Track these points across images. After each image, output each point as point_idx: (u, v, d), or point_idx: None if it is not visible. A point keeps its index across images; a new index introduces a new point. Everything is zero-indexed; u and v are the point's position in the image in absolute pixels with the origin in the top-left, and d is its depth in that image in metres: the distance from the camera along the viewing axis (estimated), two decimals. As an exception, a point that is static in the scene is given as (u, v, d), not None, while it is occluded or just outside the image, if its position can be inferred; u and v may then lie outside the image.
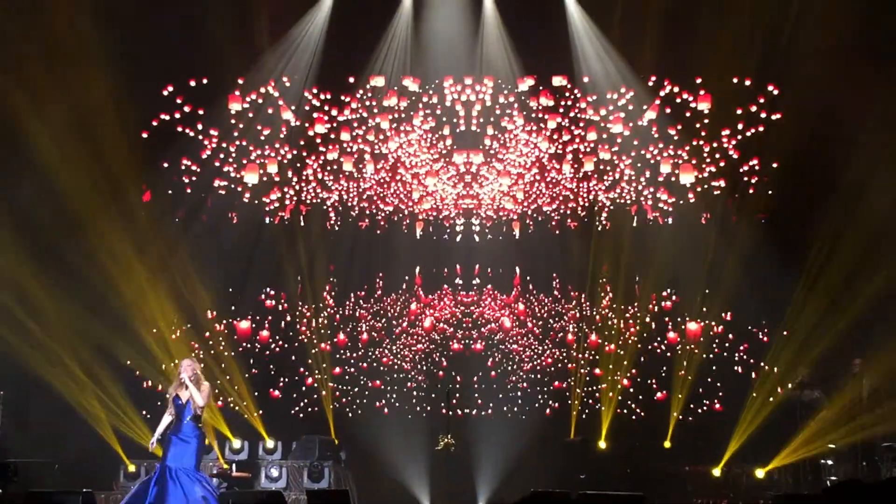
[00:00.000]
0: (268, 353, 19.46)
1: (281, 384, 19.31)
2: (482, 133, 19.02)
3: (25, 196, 17.19)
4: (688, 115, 18.55)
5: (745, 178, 18.67)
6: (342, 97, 18.91)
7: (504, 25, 18.50)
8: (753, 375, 18.28)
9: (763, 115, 18.42)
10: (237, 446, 17.95)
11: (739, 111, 18.48)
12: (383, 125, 18.85)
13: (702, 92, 18.29)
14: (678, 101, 18.57)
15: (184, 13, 17.51)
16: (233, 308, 19.31)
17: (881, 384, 15.86)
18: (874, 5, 16.83)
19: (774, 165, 18.37)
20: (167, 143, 18.65)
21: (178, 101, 18.59)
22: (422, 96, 18.91)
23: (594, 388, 19.00)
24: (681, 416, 18.27)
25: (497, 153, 19.13)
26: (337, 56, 18.69)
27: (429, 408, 19.33)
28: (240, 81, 18.57)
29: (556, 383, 19.33)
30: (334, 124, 18.95)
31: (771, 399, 17.59)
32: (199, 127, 18.79)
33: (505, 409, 19.31)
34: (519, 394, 19.39)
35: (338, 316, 19.71)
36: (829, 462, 16.06)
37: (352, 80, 18.83)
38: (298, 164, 19.16)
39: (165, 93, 18.57)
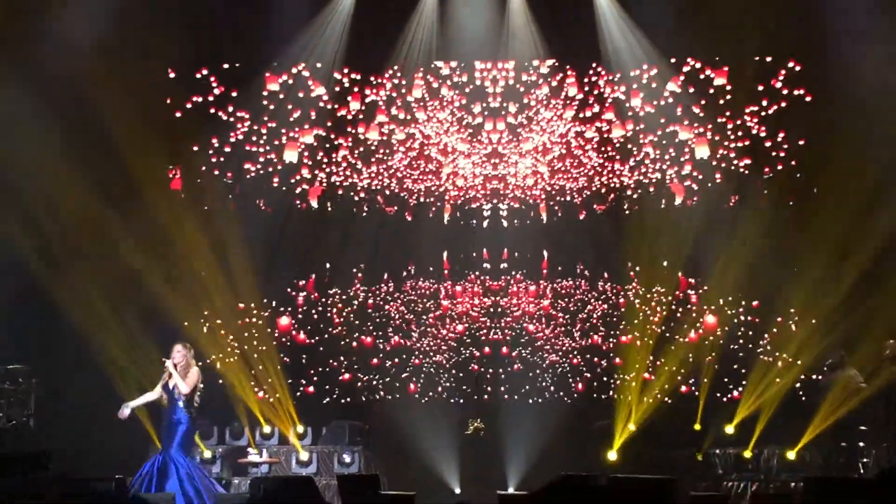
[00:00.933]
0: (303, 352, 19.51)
1: (313, 376, 19.34)
2: (508, 112, 18.91)
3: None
4: (711, 91, 18.44)
5: (773, 154, 18.52)
6: (371, 78, 18.84)
7: (529, 9, 18.42)
8: (779, 364, 18.16)
9: (785, 92, 18.32)
10: (267, 431, 18.03)
11: (761, 87, 18.36)
12: (412, 102, 18.82)
13: (725, 70, 18.22)
14: (701, 77, 18.44)
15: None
16: (265, 301, 19.30)
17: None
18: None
19: (801, 143, 18.26)
20: (197, 128, 18.69)
21: (213, 82, 18.62)
22: (450, 76, 18.85)
23: (622, 374, 18.95)
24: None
25: (524, 128, 19.01)
26: (363, 41, 18.63)
27: (458, 392, 19.35)
28: (274, 64, 18.60)
29: (586, 370, 19.32)
30: (363, 106, 18.92)
31: (798, 384, 17.63)
32: (230, 109, 18.80)
33: (534, 392, 19.31)
34: (548, 378, 19.38)
35: (370, 301, 19.73)
36: (862, 444, 16.04)
37: (379, 64, 18.80)
38: (328, 145, 19.12)
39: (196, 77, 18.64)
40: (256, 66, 18.60)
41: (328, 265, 19.55)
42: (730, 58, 18.17)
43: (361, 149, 19.12)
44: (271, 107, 18.70)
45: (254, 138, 18.86)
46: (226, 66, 18.58)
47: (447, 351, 19.59)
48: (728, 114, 18.50)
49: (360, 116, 18.87)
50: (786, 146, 18.41)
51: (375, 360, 19.55)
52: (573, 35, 18.53)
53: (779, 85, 18.27)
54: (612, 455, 17.37)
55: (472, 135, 19.05)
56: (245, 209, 19.02)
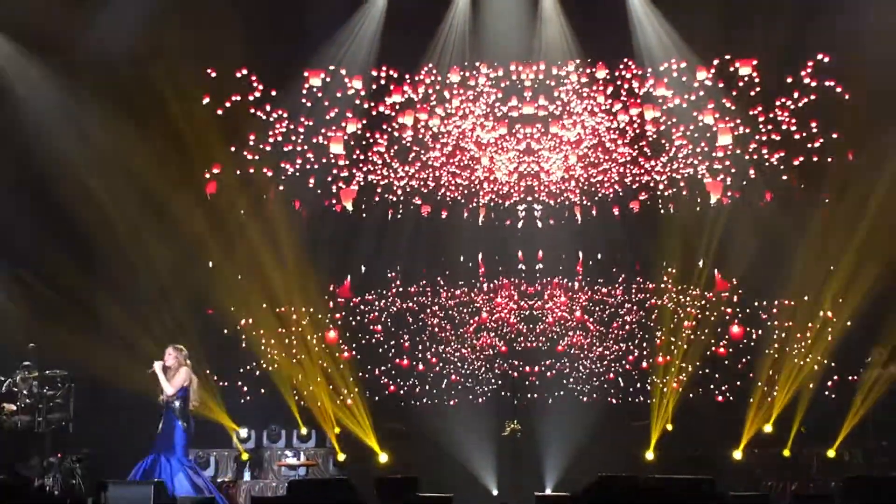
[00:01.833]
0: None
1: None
2: (540, 105, 18.87)
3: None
4: (741, 84, 18.36)
5: (809, 146, 18.41)
6: (406, 75, 18.90)
7: (562, 7, 18.39)
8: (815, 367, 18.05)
9: (814, 84, 18.21)
10: (304, 433, 18.11)
11: (790, 79, 18.27)
12: (447, 97, 18.89)
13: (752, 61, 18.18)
14: (730, 69, 18.37)
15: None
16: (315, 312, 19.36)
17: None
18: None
19: (835, 136, 18.15)
20: (234, 131, 18.79)
21: (252, 80, 18.70)
22: (482, 72, 18.89)
23: (659, 374, 18.88)
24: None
25: (556, 122, 18.98)
26: (396, 42, 18.66)
27: (495, 394, 19.33)
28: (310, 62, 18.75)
29: (622, 370, 19.27)
30: (403, 97, 18.98)
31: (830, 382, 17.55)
32: (268, 108, 18.88)
33: (570, 393, 19.26)
34: (584, 378, 19.32)
35: (408, 305, 19.76)
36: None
37: (412, 63, 18.84)
38: (364, 142, 19.17)
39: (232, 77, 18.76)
40: (291, 67, 18.65)
41: (363, 268, 19.54)
42: (759, 50, 18.07)
43: (396, 147, 19.14)
44: (309, 104, 18.76)
45: (292, 137, 18.93)
46: (263, 66, 18.66)
47: (484, 355, 19.54)
48: (760, 108, 18.42)
49: (395, 112, 18.90)
50: (820, 140, 18.28)
51: (405, 362, 19.54)
52: (604, 32, 18.49)
53: (807, 80, 18.18)
54: (650, 455, 17.30)
55: (508, 128, 19.02)
56: (281, 212, 19.06)
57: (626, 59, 18.56)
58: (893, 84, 16.71)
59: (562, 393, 19.26)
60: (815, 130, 18.29)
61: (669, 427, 17.86)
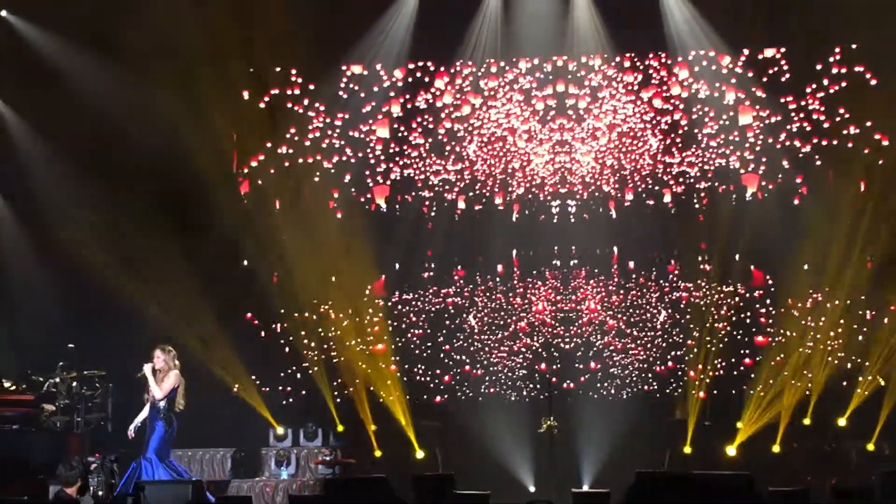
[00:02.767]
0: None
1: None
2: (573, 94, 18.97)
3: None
4: (771, 71, 18.33)
5: (844, 132, 18.29)
6: (441, 68, 18.99)
7: (594, 2, 18.37)
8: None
9: (844, 70, 18.13)
10: (341, 430, 18.16)
11: (819, 66, 18.21)
12: (476, 102, 18.98)
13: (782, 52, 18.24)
14: (759, 57, 18.40)
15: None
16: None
17: None
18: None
19: (868, 124, 18.01)
20: (269, 129, 18.90)
21: (292, 76, 18.97)
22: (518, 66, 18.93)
23: (695, 368, 18.77)
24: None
25: (589, 114, 18.99)
26: (428, 38, 18.70)
27: (531, 391, 19.29)
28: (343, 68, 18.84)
29: (658, 367, 19.20)
30: (430, 99, 19.06)
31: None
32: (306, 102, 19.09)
33: (607, 390, 19.19)
34: (621, 374, 19.25)
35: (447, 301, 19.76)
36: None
37: (445, 58, 18.92)
38: (400, 135, 19.25)
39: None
40: (326, 63, 18.82)
41: (397, 265, 19.54)
42: (788, 38, 18.06)
43: (431, 140, 19.16)
44: (345, 96, 18.94)
45: (328, 132, 19.03)
46: (298, 62, 18.83)
47: (520, 352, 19.50)
48: (790, 98, 18.35)
49: (429, 105, 19.01)
50: (853, 129, 18.16)
51: (455, 363, 19.57)
52: (635, 22, 18.46)
53: (835, 70, 18.17)
54: (688, 450, 17.22)
55: (541, 119, 19.02)
56: (316, 210, 19.13)
57: (657, 52, 18.57)
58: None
59: (598, 389, 19.19)
60: (846, 117, 18.19)
61: (707, 423, 17.74)
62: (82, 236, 17.10)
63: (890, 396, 16.82)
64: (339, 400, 18.58)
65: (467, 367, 19.46)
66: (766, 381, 18.10)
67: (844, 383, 17.67)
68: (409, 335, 19.53)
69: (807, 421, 17.47)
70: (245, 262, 18.52)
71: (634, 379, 19.24)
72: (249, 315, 18.71)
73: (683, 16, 18.19)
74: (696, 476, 11.72)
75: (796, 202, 18.59)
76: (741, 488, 11.05)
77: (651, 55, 18.77)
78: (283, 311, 18.63)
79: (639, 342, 19.32)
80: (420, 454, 17.65)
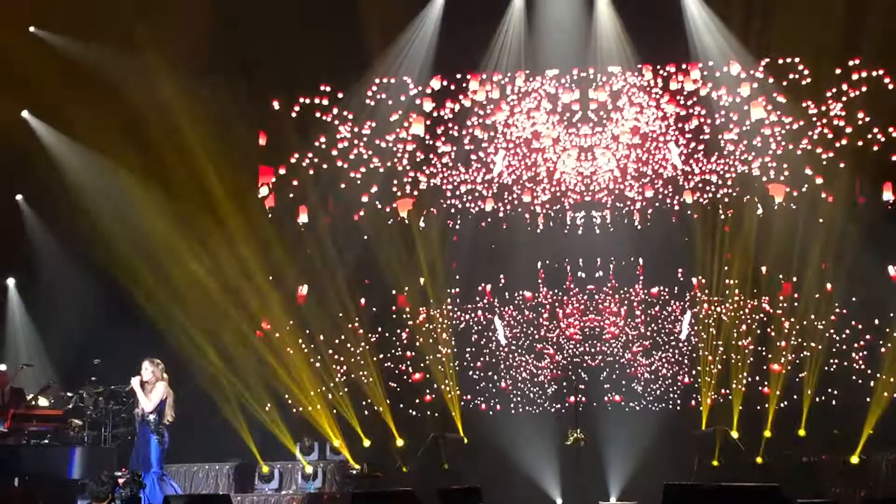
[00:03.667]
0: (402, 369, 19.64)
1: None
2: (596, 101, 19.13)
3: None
4: (792, 76, 18.50)
5: (870, 135, 18.27)
6: (466, 80, 19.18)
7: (617, 12, 18.39)
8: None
9: (864, 75, 18.19)
10: (367, 445, 18.15)
11: (839, 71, 18.27)
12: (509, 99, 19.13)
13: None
14: (780, 62, 18.50)
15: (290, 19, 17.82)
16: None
17: None
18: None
19: (891, 130, 17.99)
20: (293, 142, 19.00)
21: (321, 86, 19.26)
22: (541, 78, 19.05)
23: (723, 380, 18.68)
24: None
25: (612, 122, 19.06)
26: (452, 50, 18.78)
27: (557, 403, 19.25)
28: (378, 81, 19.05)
29: (684, 378, 19.12)
30: (453, 114, 19.17)
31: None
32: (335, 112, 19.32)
33: (633, 402, 19.13)
34: (647, 387, 19.19)
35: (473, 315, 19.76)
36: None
37: (469, 69, 19.06)
38: (428, 142, 19.38)
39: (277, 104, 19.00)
40: (351, 74, 19.01)
41: (422, 280, 19.55)
42: (810, 45, 18.05)
43: (455, 148, 19.24)
44: (372, 104, 19.18)
45: (356, 141, 19.17)
46: (324, 74, 19.04)
47: (547, 365, 19.47)
48: (811, 104, 18.51)
49: (454, 115, 19.16)
50: (878, 134, 18.11)
51: (483, 377, 19.56)
52: (658, 32, 18.49)
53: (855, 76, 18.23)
54: (715, 462, 17.13)
55: (566, 128, 19.08)
56: (340, 224, 19.18)
57: (680, 59, 18.69)
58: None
59: (625, 401, 19.14)
60: (867, 119, 18.23)
61: (735, 434, 17.64)
62: (109, 253, 17.20)
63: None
64: (366, 413, 18.59)
65: (496, 380, 19.44)
66: (790, 394, 18.06)
67: (868, 399, 17.55)
68: (438, 351, 19.51)
69: (836, 431, 17.36)
70: (270, 277, 18.53)
71: (660, 391, 19.16)
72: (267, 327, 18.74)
73: (706, 23, 18.20)
74: (723, 487, 11.65)
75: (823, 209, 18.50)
76: (769, 499, 10.98)
77: (673, 64, 18.78)
78: (307, 330, 18.68)
79: (664, 354, 19.24)
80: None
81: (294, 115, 19.19)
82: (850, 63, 18.27)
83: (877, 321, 18.24)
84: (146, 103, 17.15)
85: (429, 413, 19.21)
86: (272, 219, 18.89)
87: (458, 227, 19.58)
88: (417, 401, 19.34)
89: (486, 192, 19.42)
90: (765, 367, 18.57)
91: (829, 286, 18.36)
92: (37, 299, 18.77)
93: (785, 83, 18.48)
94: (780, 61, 18.52)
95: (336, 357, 18.86)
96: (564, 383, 19.21)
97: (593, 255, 19.50)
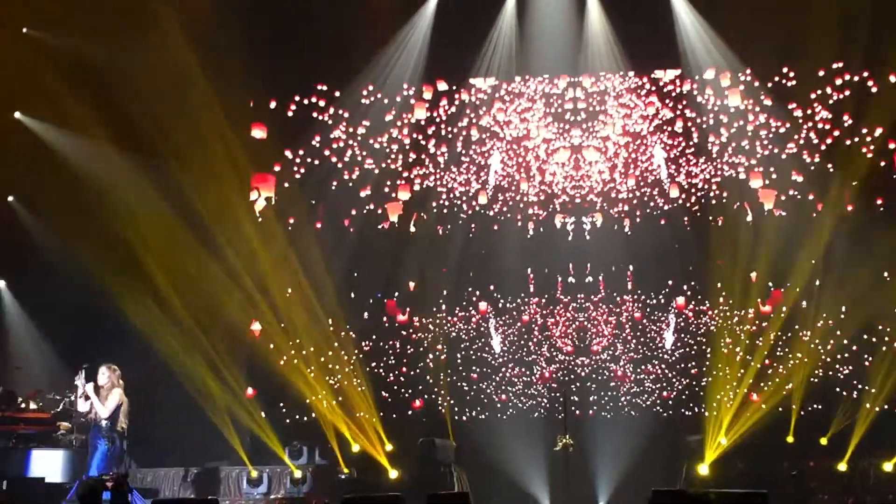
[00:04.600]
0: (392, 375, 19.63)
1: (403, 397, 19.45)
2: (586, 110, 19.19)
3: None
4: (777, 79, 18.60)
5: (853, 143, 18.27)
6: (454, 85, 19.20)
7: (608, 18, 18.44)
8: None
9: (847, 78, 18.33)
10: (356, 450, 18.13)
11: (822, 72, 18.38)
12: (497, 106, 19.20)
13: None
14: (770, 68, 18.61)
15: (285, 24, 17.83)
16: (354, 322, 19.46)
17: None
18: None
19: (879, 132, 18.05)
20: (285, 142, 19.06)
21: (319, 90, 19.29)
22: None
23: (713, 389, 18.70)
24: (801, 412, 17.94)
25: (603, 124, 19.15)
26: (443, 55, 18.81)
27: (546, 409, 19.26)
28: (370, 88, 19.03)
29: (674, 386, 19.15)
30: (446, 115, 19.26)
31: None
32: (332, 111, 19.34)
33: (622, 408, 19.16)
34: (637, 393, 19.21)
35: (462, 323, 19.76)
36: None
37: (460, 74, 19.13)
38: (421, 141, 19.47)
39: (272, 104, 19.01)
40: (343, 77, 19.04)
41: (412, 285, 19.54)
42: (798, 50, 18.11)
43: (448, 149, 19.25)
44: (367, 101, 19.22)
45: (350, 142, 19.30)
46: (317, 77, 19.05)
47: (535, 372, 19.49)
48: (795, 105, 18.57)
49: (446, 118, 19.24)
50: (868, 140, 18.17)
51: (469, 382, 19.56)
52: (649, 39, 18.55)
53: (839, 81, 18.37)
54: (704, 469, 17.14)
55: (556, 133, 19.12)
56: (330, 227, 19.17)
57: (669, 63, 18.78)
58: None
59: (614, 407, 19.16)
60: (851, 123, 18.34)
61: (724, 441, 17.65)
62: (97, 255, 17.18)
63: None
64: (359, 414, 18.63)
65: (486, 387, 19.47)
66: (776, 406, 18.09)
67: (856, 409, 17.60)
68: (427, 356, 19.52)
69: (823, 441, 17.39)
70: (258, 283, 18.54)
71: (649, 397, 19.18)
72: (258, 334, 18.74)
73: (696, 29, 18.26)
74: (711, 494, 11.68)
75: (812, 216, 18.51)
76: (757, 507, 11.02)
77: (662, 69, 18.85)
78: (296, 340, 18.69)
79: (653, 361, 19.27)
80: (394, 474, 17.50)
81: (290, 114, 19.12)
82: (834, 66, 18.30)
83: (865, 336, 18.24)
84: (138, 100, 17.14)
85: (424, 419, 19.20)
86: (262, 222, 18.82)
87: (448, 230, 19.55)
88: (410, 413, 19.32)
89: (479, 193, 19.37)
90: (750, 380, 18.55)
91: (815, 295, 18.36)
92: (30, 301, 18.71)
93: (770, 84, 18.49)
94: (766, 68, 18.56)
95: (328, 365, 18.82)
96: (554, 387, 19.22)
97: (583, 262, 19.49)
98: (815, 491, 16.38)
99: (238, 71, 17.43)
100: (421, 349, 19.59)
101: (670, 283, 19.32)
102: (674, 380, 19.19)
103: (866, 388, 17.74)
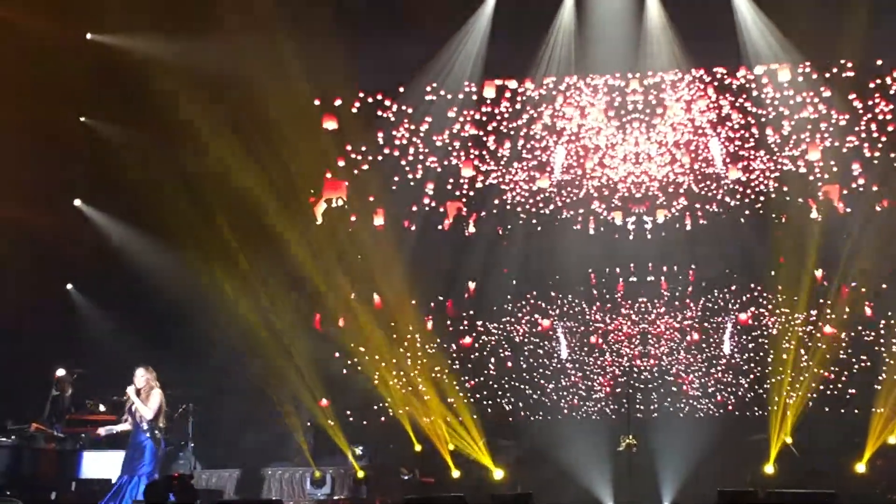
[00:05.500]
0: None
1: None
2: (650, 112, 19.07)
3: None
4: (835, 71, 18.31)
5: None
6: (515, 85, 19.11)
7: (668, 17, 18.30)
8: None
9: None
10: (418, 449, 18.16)
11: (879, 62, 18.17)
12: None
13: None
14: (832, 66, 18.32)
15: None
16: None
17: None
18: None
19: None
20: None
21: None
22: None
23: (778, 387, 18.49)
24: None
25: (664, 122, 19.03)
26: (502, 54, 18.77)
27: (609, 409, 19.17)
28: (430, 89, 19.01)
29: (738, 385, 18.98)
30: (508, 113, 19.19)
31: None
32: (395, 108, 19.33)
33: (685, 409, 19.02)
34: (698, 394, 19.06)
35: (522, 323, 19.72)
36: None
37: (519, 74, 19.03)
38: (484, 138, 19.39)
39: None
40: (402, 78, 19.04)
41: (472, 284, 19.53)
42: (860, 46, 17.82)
43: (510, 147, 19.22)
44: (431, 98, 19.11)
45: (414, 139, 19.25)
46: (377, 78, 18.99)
47: (598, 371, 19.42)
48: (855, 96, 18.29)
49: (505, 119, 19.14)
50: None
51: (532, 382, 19.52)
52: (710, 36, 18.36)
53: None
54: (769, 469, 16.97)
55: (617, 131, 19.06)
56: (393, 228, 19.21)
57: (730, 60, 18.54)
58: None
59: (676, 407, 19.03)
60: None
61: (788, 440, 17.45)
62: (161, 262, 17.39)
63: None
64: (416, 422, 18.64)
65: (551, 388, 19.44)
66: (853, 402, 17.85)
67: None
68: (490, 357, 19.51)
69: (893, 440, 17.15)
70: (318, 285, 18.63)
71: (712, 398, 19.03)
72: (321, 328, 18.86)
73: (756, 24, 18.08)
74: (779, 494, 11.57)
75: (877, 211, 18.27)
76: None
77: (725, 68, 18.67)
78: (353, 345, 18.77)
79: (716, 362, 19.11)
80: (498, 474, 17.54)
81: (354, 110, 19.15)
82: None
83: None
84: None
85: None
86: (322, 225, 18.88)
87: (508, 230, 19.52)
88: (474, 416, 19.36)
89: (541, 176, 19.31)
90: (806, 375, 18.36)
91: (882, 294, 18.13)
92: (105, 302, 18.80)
93: (827, 75, 18.27)
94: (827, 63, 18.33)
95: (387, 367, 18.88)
96: (618, 389, 19.13)
97: (644, 260, 19.37)
98: (885, 491, 16.16)
99: (300, 69, 17.51)
100: (485, 352, 19.54)
101: (734, 280, 19.12)
102: (737, 380, 19.00)
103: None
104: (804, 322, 18.54)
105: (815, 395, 18.26)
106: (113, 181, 17.62)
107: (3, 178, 16.56)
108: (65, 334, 17.74)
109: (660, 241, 19.19)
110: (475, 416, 18.47)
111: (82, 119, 18.28)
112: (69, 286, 18.72)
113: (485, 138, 19.29)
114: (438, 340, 19.50)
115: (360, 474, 17.53)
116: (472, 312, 19.68)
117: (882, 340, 18.43)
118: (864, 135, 18.32)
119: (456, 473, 17.64)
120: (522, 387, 19.51)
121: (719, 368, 19.10)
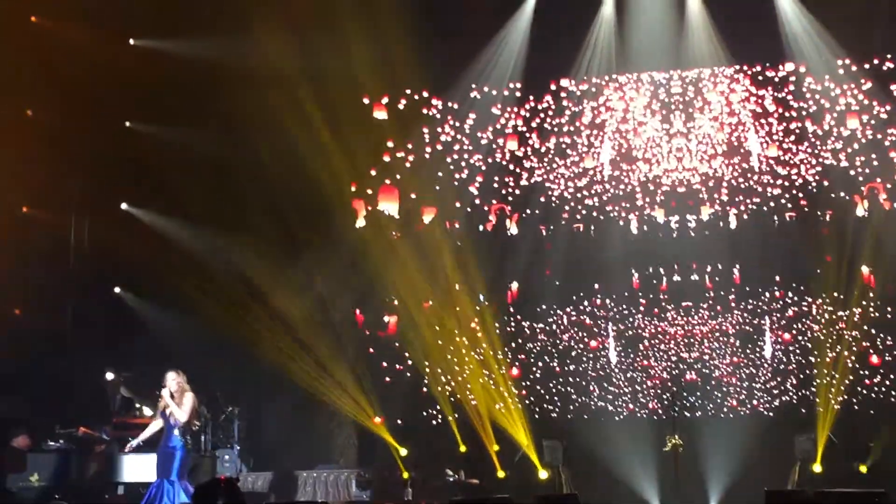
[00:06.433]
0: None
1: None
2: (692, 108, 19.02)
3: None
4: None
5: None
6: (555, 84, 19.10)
7: (709, 13, 18.22)
8: None
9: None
10: (463, 451, 18.16)
11: None
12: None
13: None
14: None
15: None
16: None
17: None
18: None
19: None
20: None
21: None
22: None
23: (825, 384, 18.34)
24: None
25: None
26: (544, 53, 18.76)
27: (655, 409, 19.10)
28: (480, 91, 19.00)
29: (784, 385, 18.84)
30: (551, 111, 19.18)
31: None
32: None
33: (732, 409, 18.90)
34: (745, 394, 18.94)
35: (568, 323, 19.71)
36: None
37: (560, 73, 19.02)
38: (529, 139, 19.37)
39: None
40: (444, 79, 19.07)
41: (516, 286, 19.52)
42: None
43: (553, 145, 19.19)
44: (477, 97, 19.16)
45: (458, 136, 19.28)
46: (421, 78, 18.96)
47: (644, 372, 19.36)
48: None
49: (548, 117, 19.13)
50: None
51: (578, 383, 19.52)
52: (752, 32, 18.26)
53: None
54: (817, 468, 16.83)
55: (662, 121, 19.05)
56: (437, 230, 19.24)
57: (773, 58, 18.45)
58: None
59: (723, 408, 18.91)
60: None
61: (835, 439, 17.29)
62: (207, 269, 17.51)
63: None
64: (456, 417, 18.64)
65: (593, 388, 19.38)
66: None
67: None
68: (535, 358, 19.49)
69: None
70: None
71: (758, 398, 18.89)
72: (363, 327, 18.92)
73: (799, 20, 17.96)
74: (827, 494, 11.45)
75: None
76: (874, 506, 10.78)
77: (771, 69, 18.56)
78: (398, 345, 18.79)
79: (761, 362, 18.98)
80: (543, 474, 17.51)
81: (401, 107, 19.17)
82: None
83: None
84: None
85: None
86: (363, 228, 18.90)
87: (551, 231, 19.49)
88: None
89: (580, 194, 19.29)
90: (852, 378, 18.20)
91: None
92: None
93: (867, 66, 18.11)
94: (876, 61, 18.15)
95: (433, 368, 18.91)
96: (662, 389, 19.05)
97: (688, 259, 19.26)
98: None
99: (346, 68, 17.58)
100: (532, 356, 19.54)
101: (778, 281, 18.99)
102: (783, 379, 18.86)
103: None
104: (849, 323, 18.33)
105: (860, 398, 18.15)
106: (162, 183, 17.72)
107: (48, 185, 16.75)
108: (114, 337, 17.88)
109: (703, 240, 19.06)
110: (522, 415, 18.51)
111: (127, 124, 18.40)
112: (117, 289, 18.83)
113: (528, 135, 19.25)
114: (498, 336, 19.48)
115: (406, 476, 17.56)
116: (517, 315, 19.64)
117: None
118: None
119: (501, 474, 17.63)
120: (568, 389, 19.45)
121: (766, 373, 18.93)
